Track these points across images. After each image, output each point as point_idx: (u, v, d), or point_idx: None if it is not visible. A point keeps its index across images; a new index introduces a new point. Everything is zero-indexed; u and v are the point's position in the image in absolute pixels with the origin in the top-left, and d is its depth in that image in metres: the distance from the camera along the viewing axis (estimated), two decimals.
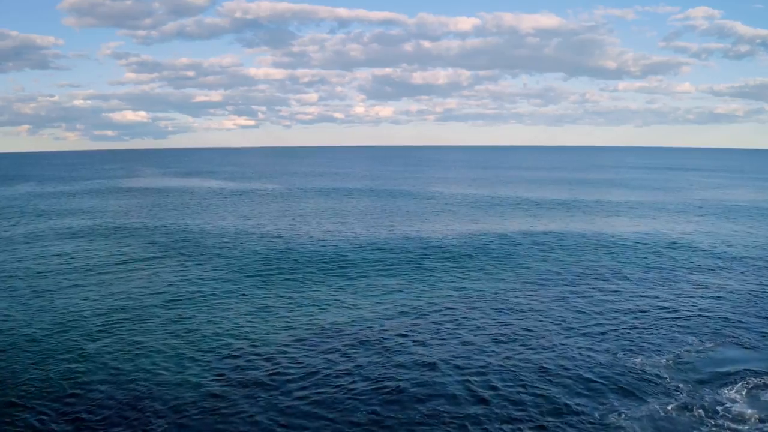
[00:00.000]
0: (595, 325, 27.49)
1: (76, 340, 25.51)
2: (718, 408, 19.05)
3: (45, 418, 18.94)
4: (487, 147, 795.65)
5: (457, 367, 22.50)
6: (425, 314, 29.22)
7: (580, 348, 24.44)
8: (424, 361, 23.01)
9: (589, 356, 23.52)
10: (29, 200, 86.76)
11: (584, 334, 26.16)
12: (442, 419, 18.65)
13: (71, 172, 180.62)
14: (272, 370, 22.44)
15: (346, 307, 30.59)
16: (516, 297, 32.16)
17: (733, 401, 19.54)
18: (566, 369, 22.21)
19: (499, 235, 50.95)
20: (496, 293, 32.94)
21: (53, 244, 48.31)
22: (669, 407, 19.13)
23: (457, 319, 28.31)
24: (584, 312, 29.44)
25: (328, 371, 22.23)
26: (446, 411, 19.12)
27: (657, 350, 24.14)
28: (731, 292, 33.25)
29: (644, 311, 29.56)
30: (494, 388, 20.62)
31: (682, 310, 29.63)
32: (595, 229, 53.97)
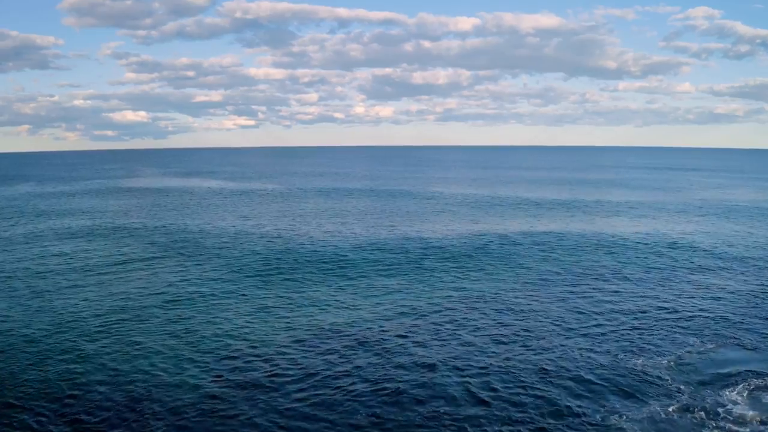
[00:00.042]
0: (595, 325, 27.40)
1: (74, 341, 25.42)
2: (720, 410, 18.95)
3: (43, 419, 18.84)
4: (487, 147, 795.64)
5: (457, 368, 22.41)
6: (425, 315, 29.12)
7: (580, 349, 24.34)
8: (424, 363, 22.92)
9: (589, 357, 23.43)
10: (29, 200, 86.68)
11: (585, 335, 26.07)
12: (442, 421, 18.55)
13: (71, 172, 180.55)
14: (271, 371, 22.34)
15: (345, 307, 30.50)
16: (516, 297, 32.06)
17: (735, 403, 19.45)
18: (567, 370, 22.11)
19: (499, 235, 50.86)
20: (496, 294, 32.85)
21: (52, 244, 48.23)
22: (670, 409, 19.04)
23: (457, 320, 28.22)
24: (585, 313, 29.34)
25: (328, 372, 22.14)
26: (446, 413, 19.03)
27: (658, 351, 24.04)
28: (732, 292, 33.15)
29: (645, 312, 29.46)
30: (494, 390, 20.52)
31: (683, 311, 29.53)
32: (596, 230, 53.88)
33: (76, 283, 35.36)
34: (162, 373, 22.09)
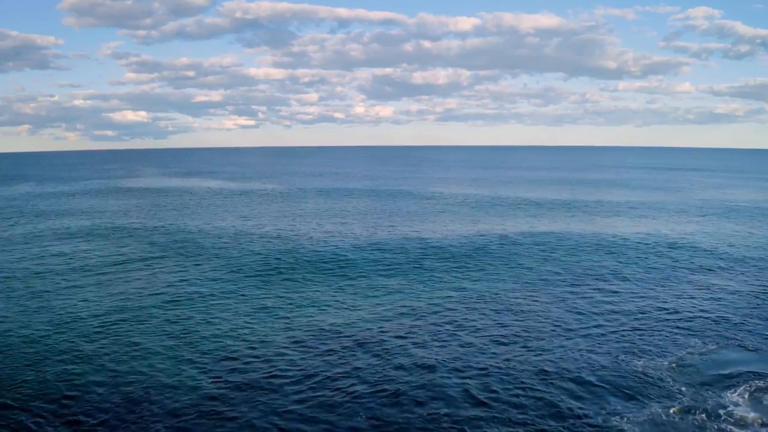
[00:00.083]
0: (595, 326, 27.30)
1: (73, 342, 25.33)
2: (721, 411, 18.86)
3: (41, 420, 18.76)
4: (487, 147, 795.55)
5: (457, 369, 22.32)
6: (425, 315, 29.03)
7: (581, 350, 24.25)
8: (423, 364, 22.83)
9: (590, 358, 23.34)
10: (28, 200, 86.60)
11: (585, 336, 25.97)
12: (442, 423, 18.46)
13: (71, 172, 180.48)
14: (271, 372, 22.25)
15: (345, 308, 30.40)
16: (516, 298, 31.97)
17: (736, 404, 19.36)
18: (567, 371, 22.02)
19: (499, 235, 50.76)
20: (497, 294, 32.75)
21: (52, 244, 48.13)
22: (671, 410, 18.95)
23: (456, 321, 28.12)
24: (585, 313, 29.25)
25: (327, 373, 22.05)
26: (446, 414, 18.94)
27: (659, 352, 23.95)
28: (733, 293, 33.06)
29: (645, 313, 29.37)
30: (494, 391, 20.43)
31: (684, 312, 29.44)
32: (596, 230, 53.79)
33: (75, 283, 35.27)
34: (161, 374, 22.00)
